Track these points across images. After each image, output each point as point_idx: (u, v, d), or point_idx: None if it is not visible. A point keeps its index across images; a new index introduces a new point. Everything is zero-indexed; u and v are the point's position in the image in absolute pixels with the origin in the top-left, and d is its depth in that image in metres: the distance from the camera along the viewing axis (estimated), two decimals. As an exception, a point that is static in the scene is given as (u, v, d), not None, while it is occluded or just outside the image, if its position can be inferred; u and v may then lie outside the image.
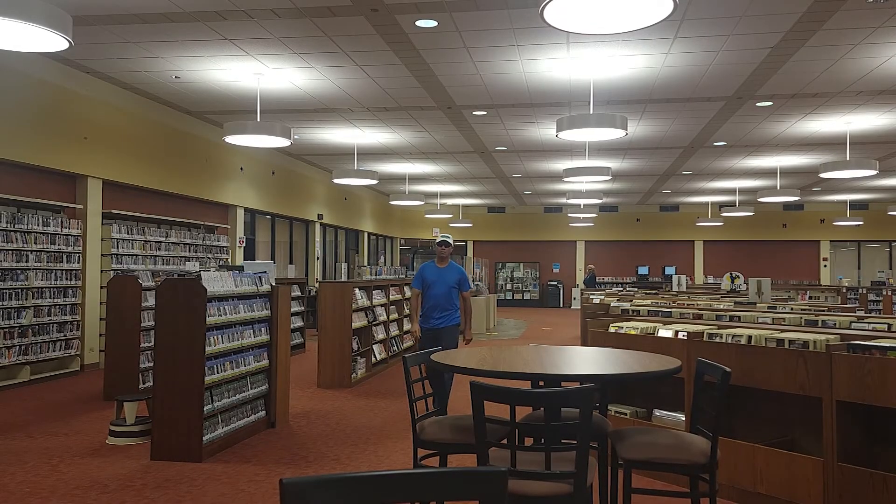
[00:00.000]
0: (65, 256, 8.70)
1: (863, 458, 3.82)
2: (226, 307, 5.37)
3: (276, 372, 6.05)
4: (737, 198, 20.23)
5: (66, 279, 8.73)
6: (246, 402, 5.68)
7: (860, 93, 9.43)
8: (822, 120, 11.05)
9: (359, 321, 8.63)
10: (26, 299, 8.12)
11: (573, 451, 2.54)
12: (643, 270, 25.71)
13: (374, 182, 13.11)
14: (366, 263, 20.04)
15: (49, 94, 8.57)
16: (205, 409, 5.03)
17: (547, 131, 11.97)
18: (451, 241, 6.50)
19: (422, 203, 19.33)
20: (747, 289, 9.84)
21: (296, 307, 11.21)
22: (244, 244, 13.63)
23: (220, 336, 5.28)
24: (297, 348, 10.97)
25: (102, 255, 9.46)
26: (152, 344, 5.53)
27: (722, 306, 7.46)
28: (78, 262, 8.91)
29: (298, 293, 11.52)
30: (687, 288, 15.03)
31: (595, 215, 21.64)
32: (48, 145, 8.55)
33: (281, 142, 8.71)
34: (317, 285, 12.68)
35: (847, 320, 5.26)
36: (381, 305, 9.72)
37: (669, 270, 24.65)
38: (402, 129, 12.15)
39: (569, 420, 2.95)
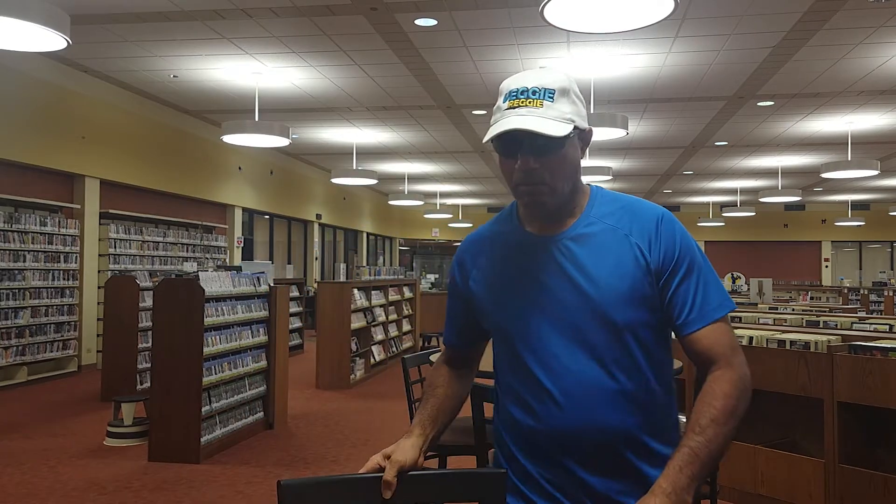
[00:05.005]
0: (62, 256, 8.67)
1: (864, 459, 3.79)
2: (224, 308, 5.34)
3: (274, 373, 6.02)
4: (738, 198, 20.19)
5: (64, 279, 8.69)
6: (244, 403, 5.65)
7: (861, 92, 9.40)
8: (823, 120, 11.02)
9: (357, 322, 8.60)
10: (23, 299, 8.08)
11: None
12: (643, 271, 25.67)
13: (373, 182, 13.08)
14: (364, 264, 20.03)
15: (46, 94, 8.54)
16: (203, 410, 5.01)
17: (547, 131, 11.92)
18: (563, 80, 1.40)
19: (421, 203, 19.29)
20: (748, 289, 9.82)
21: (294, 308, 11.18)
22: (242, 244, 13.60)
23: (217, 337, 5.25)
24: (295, 349, 10.94)
25: (100, 255, 9.42)
26: (150, 345, 5.50)
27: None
28: (75, 263, 8.88)
29: (297, 294, 11.49)
30: (687, 288, 14.97)
31: (595, 215, 21.54)
32: (46, 145, 8.51)
33: (279, 141, 8.69)
34: (315, 286, 12.66)
35: (848, 321, 5.24)
36: (380, 306, 9.69)
37: (669, 271, 24.60)
38: (401, 129, 12.12)
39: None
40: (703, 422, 1.32)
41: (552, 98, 1.37)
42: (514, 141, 1.36)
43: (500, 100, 1.41)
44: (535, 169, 1.37)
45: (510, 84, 1.41)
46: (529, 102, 1.37)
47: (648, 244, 1.41)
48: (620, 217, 1.45)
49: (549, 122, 1.35)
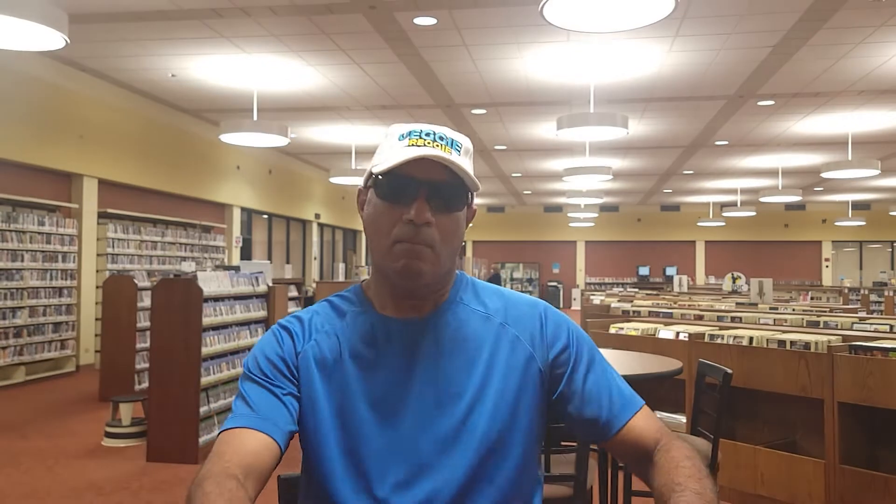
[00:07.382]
0: (60, 256, 8.65)
1: (864, 460, 3.77)
2: (222, 308, 5.32)
3: (272, 372, 5.99)
4: (738, 198, 20.17)
5: (62, 279, 8.67)
6: (242, 403, 5.62)
7: (862, 92, 9.38)
8: (823, 119, 11.01)
9: (357, 321, 8.55)
10: (21, 299, 8.06)
11: (573, 453, 2.50)
12: (644, 271, 25.66)
13: (373, 181, 13.04)
14: (363, 263, 20.00)
15: (44, 93, 8.52)
16: (201, 410, 4.98)
17: (547, 130, 11.92)
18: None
19: (421, 203, 19.25)
20: (749, 289, 9.81)
21: (293, 308, 11.15)
22: (240, 244, 13.59)
23: (216, 337, 5.23)
24: (295, 348, 10.89)
25: (98, 255, 9.40)
26: (148, 344, 5.49)
27: (723, 307, 7.42)
28: (73, 262, 8.86)
29: (295, 293, 11.46)
30: (688, 288, 14.99)
31: (595, 215, 21.56)
32: (43, 144, 8.49)
33: (278, 140, 8.66)
34: (314, 285, 12.63)
35: (849, 321, 5.23)
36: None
37: (670, 271, 24.60)
38: (401, 129, 12.09)
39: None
40: (680, 479, 1.03)
41: (459, 151, 1.13)
42: (411, 183, 1.10)
43: (393, 139, 1.14)
44: (429, 225, 1.10)
45: (405, 126, 1.15)
46: (436, 145, 1.11)
47: (531, 337, 1.18)
48: (493, 302, 1.22)
49: (464, 168, 1.12)
